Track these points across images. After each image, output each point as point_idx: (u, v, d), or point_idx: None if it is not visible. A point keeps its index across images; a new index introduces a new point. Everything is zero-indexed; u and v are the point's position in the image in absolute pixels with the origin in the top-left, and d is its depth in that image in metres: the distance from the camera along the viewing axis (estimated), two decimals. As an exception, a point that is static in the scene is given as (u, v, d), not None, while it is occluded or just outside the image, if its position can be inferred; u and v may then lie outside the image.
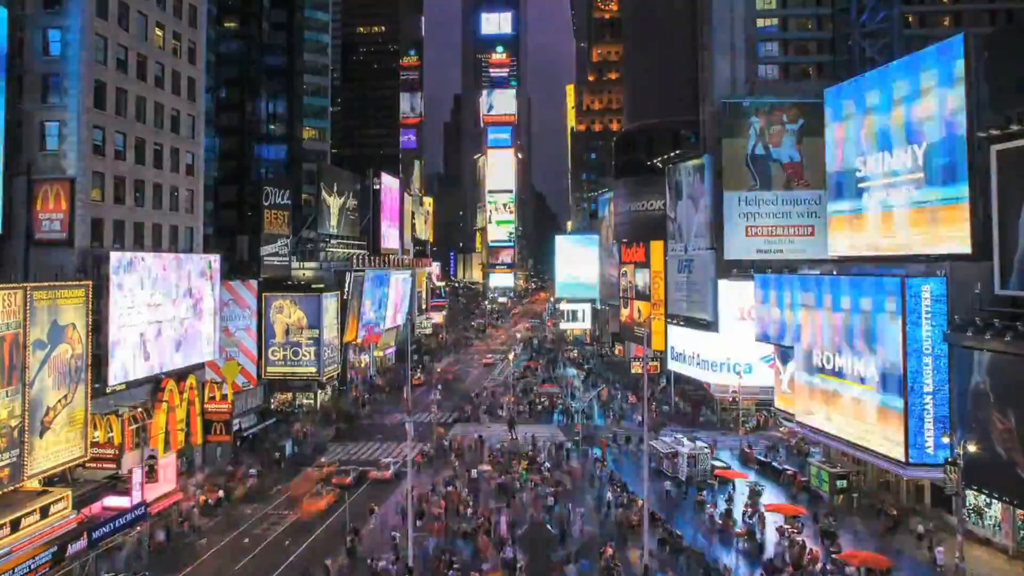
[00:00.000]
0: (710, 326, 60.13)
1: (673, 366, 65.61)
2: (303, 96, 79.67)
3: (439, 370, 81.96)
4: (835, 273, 44.80)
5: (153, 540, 34.90)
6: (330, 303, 63.31)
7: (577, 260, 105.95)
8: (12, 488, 29.72)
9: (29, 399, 30.77)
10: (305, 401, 60.90)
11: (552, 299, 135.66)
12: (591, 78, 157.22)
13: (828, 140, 48.51)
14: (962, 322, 35.41)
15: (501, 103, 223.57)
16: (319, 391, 62.11)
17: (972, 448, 33.99)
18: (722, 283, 59.11)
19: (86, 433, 33.99)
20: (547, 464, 45.54)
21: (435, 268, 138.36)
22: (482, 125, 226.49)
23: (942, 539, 33.51)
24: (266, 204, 63.27)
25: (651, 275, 73.20)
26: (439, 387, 71.33)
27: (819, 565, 31.55)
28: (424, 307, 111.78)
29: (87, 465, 34.63)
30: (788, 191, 58.36)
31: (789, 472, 43.46)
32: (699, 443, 44.84)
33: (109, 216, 40.92)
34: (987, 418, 33.13)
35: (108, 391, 37.47)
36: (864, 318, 39.72)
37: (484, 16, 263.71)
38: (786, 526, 35.44)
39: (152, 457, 36.20)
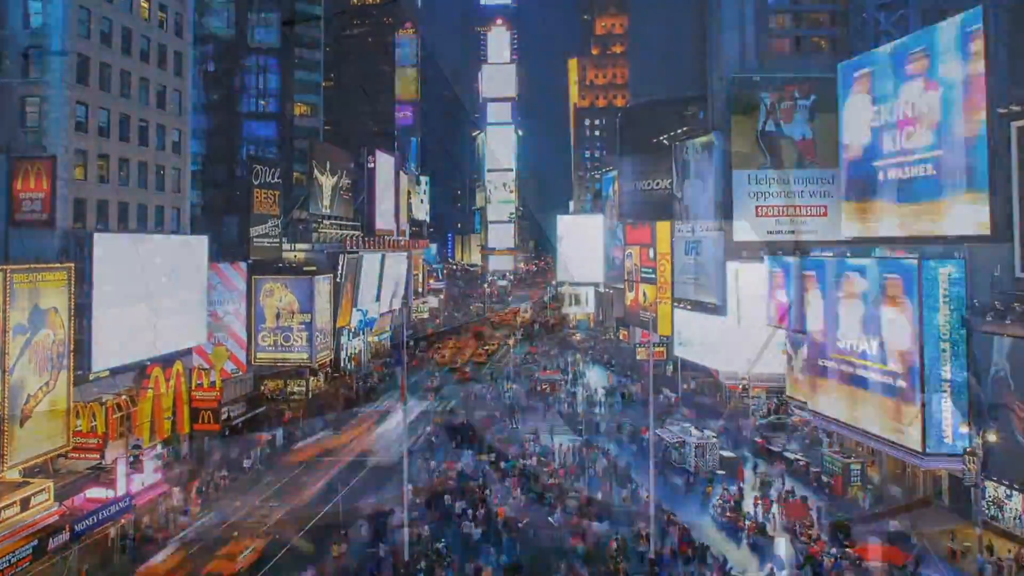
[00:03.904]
0: (718, 310, 58.71)
1: (680, 352, 64.21)
2: (294, 71, 77.52)
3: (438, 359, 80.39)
4: (848, 255, 43.47)
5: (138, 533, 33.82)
6: (323, 286, 61.81)
7: (580, 241, 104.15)
8: (-9, 479, 28.68)
9: (8, 386, 29.77)
10: (297, 388, 59.61)
11: (554, 282, 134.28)
12: (594, 51, 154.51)
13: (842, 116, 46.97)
14: (981, 306, 34.34)
15: (501, 79, 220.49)
16: (311, 378, 60.78)
17: (992, 438, 33.01)
18: (731, 265, 57.58)
19: (68, 422, 32.90)
20: (544, 457, 44.29)
21: (433, 249, 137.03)
22: (481, 102, 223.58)
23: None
24: (256, 183, 61.49)
25: (657, 257, 71.67)
26: (437, 375, 70.13)
27: (831, 560, 30.45)
28: (421, 290, 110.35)
29: (69, 455, 33.57)
30: (800, 169, 56.69)
31: (801, 463, 42.25)
32: (707, 432, 43.70)
33: (92, 196, 39.66)
34: (1007, 406, 32.10)
35: (91, 378, 36.30)
36: (880, 302, 38.40)
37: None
38: (793, 517, 34.36)
39: (137, 447, 35.14)
